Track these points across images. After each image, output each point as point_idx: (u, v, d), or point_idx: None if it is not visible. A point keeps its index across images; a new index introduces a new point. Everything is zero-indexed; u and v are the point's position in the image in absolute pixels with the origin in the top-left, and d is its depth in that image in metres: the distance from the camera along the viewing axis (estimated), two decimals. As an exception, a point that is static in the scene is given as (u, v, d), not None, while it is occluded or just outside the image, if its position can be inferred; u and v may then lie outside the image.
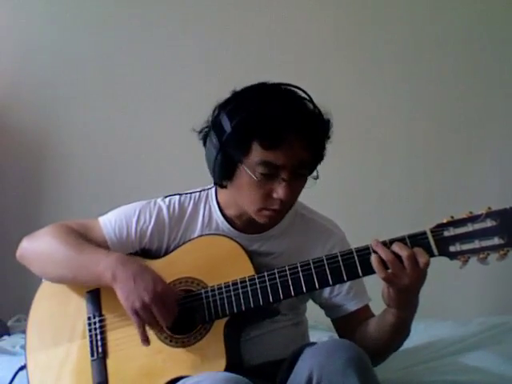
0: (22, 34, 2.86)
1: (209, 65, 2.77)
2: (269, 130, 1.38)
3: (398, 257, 1.31)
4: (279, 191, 1.41)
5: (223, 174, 1.46)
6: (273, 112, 1.39)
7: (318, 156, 1.48)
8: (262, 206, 1.44)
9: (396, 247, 1.32)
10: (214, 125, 1.45)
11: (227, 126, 1.41)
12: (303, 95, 1.46)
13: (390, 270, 1.31)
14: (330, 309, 1.59)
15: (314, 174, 1.47)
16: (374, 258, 1.32)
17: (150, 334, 1.45)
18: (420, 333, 2.14)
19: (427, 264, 1.30)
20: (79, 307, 1.54)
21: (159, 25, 2.84)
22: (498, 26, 2.75)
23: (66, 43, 2.85)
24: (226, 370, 1.39)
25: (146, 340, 1.42)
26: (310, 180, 1.46)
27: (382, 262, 1.32)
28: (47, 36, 2.86)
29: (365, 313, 1.56)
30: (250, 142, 1.40)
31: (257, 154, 1.40)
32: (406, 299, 1.36)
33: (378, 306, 1.48)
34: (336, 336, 1.64)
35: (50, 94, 2.85)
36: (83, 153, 2.85)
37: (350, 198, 2.73)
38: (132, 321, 1.40)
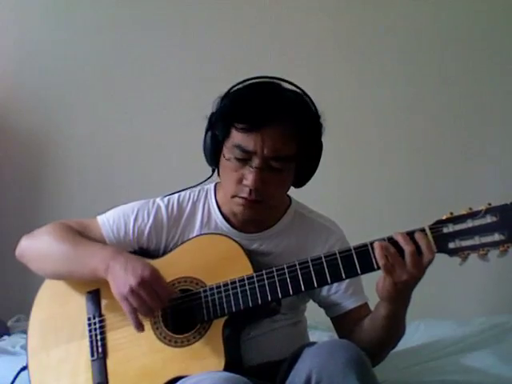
0: (22, 35, 2.86)
1: (208, 65, 2.77)
2: (243, 113, 1.42)
3: (400, 251, 1.30)
4: (248, 177, 1.42)
5: (211, 157, 1.50)
6: (250, 97, 1.44)
7: (303, 151, 1.46)
8: (234, 192, 1.46)
9: (401, 240, 1.30)
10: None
11: (215, 109, 1.49)
12: (295, 89, 1.48)
13: (390, 262, 1.30)
14: (328, 307, 1.58)
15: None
16: (377, 244, 1.31)
17: (150, 333, 1.45)
18: (420, 333, 2.15)
19: (431, 261, 1.29)
20: (80, 307, 1.54)
21: (159, 26, 2.84)
22: (498, 26, 2.76)
23: (66, 45, 2.85)
24: (225, 369, 1.38)
25: (139, 326, 1.41)
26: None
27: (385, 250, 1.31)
28: (47, 38, 2.86)
29: (363, 312, 1.54)
30: (229, 125, 1.44)
31: (233, 137, 1.44)
32: (400, 293, 1.34)
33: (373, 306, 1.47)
34: (336, 336, 1.63)
35: (49, 95, 2.85)
36: (83, 153, 2.85)
37: (349, 197, 2.74)
38: (123, 308, 1.40)
